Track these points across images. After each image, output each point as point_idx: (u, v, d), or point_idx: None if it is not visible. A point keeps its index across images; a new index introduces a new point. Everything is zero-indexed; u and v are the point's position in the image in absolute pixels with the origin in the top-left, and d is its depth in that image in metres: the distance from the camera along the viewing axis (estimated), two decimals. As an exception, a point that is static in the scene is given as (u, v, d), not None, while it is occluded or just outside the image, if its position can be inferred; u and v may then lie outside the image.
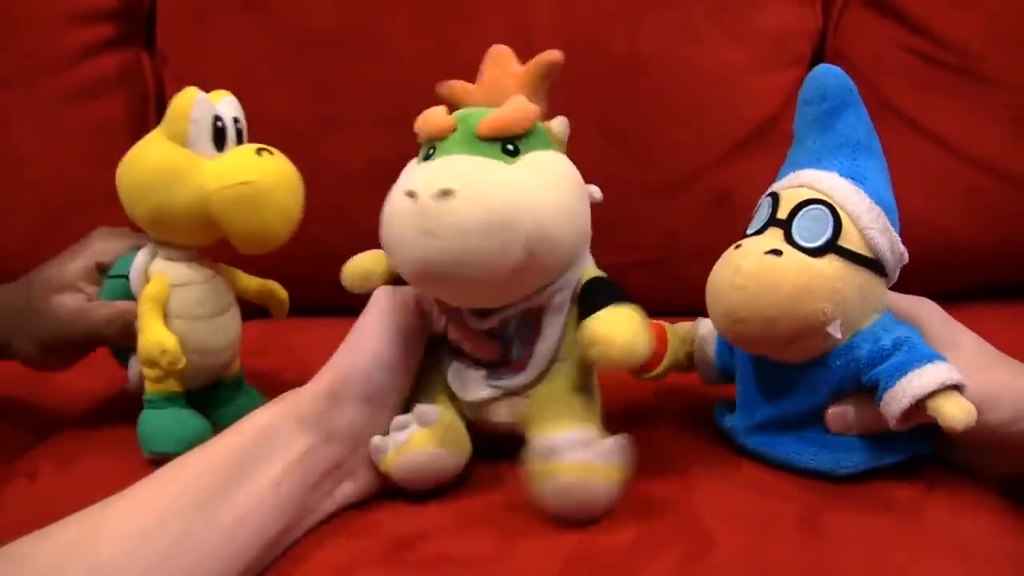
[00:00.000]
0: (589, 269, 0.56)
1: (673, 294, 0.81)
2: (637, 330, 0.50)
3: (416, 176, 0.49)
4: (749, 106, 0.91)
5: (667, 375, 0.62)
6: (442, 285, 0.51)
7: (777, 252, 0.51)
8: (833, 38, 0.95)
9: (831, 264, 0.51)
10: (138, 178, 0.58)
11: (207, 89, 0.59)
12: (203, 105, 0.57)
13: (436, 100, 0.55)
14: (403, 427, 0.53)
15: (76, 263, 0.62)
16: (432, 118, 0.53)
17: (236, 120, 0.60)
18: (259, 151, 0.58)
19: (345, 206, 0.89)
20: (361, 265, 0.60)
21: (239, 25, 0.91)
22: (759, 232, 0.54)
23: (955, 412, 0.47)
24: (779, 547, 0.48)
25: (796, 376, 0.55)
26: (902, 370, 0.50)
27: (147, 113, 0.97)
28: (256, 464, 0.48)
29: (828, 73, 0.55)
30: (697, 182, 0.90)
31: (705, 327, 0.63)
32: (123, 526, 0.43)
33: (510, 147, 0.51)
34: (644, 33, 0.88)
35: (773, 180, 0.61)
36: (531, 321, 0.55)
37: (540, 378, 0.55)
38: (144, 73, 0.97)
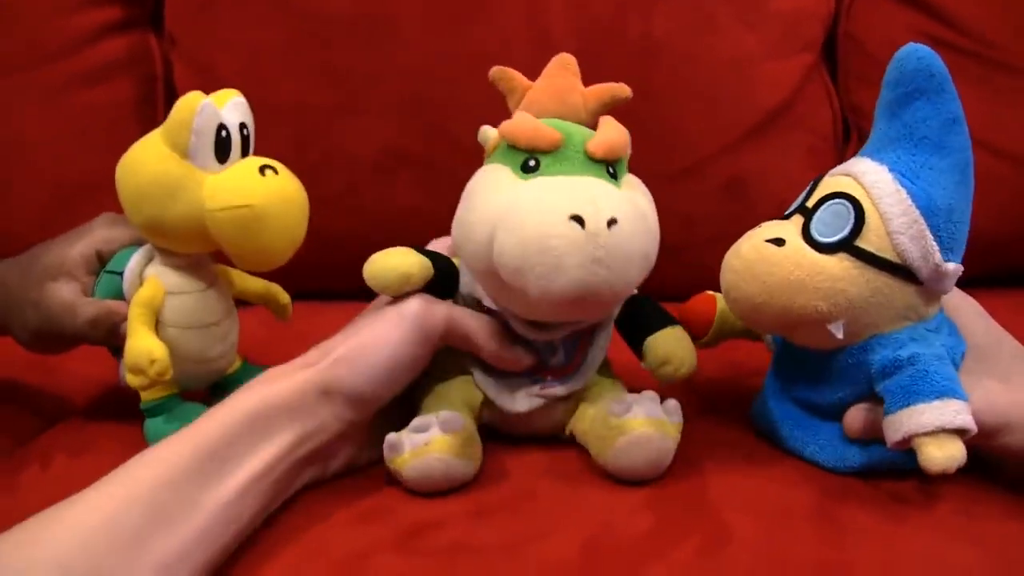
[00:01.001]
0: None
1: (687, 280, 0.81)
2: (694, 350, 0.58)
3: (569, 197, 0.47)
4: (762, 92, 0.90)
5: (718, 343, 0.63)
6: (580, 309, 0.51)
7: (779, 242, 0.51)
8: (846, 22, 0.95)
9: (840, 263, 0.50)
10: (133, 186, 0.55)
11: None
12: (207, 114, 0.54)
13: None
14: (423, 429, 0.52)
15: (76, 249, 0.60)
16: (542, 131, 0.51)
17: (243, 126, 0.57)
18: (263, 169, 0.55)
19: (356, 192, 0.89)
20: (395, 269, 0.53)
21: (248, 8, 0.90)
22: (788, 216, 0.54)
23: (935, 454, 0.47)
24: (796, 537, 0.48)
25: (811, 362, 0.54)
26: (906, 399, 0.49)
27: (155, 97, 0.96)
28: (241, 451, 0.47)
29: (911, 55, 0.50)
30: (710, 168, 0.90)
31: None
32: (94, 508, 0.42)
33: (611, 170, 0.51)
34: (657, 19, 0.88)
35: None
36: (582, 330, 0.56)
37: (586, 383, 0.57)
38: (152, 56, 0.96)
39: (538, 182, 0.50)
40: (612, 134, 0.52)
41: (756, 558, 0.46)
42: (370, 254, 0.54)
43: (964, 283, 0.54)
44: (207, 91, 0.56)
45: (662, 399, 0.53)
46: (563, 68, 0.54)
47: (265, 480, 0.48)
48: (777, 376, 0.59)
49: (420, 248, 0.56)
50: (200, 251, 0.58)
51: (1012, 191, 0.90)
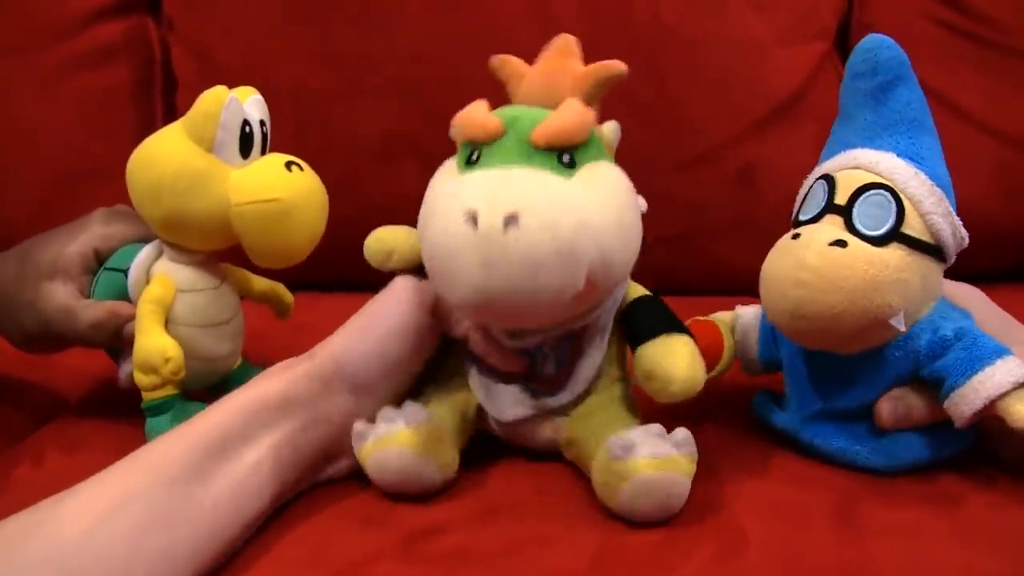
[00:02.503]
0: (634, 286, 0.54)
1: (698, 269, 0.80)
2: (695, 363, 0.50)
3: (471, 192, 0.44)
4: (774, 79, 0.90)
5: (723, 375, 0.61)
6: (496, 316, 0.48)
7: (842, 243, 0.49)
8: (859, 10, 0.94)
9: (895, 253, 0.49)
10: (155, 179, 0.54)
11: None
12: (233, 109, 0.54)
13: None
14: (390, 420, 0.50)
15: (72, 248, 0.59)
16: (477, 119, 0.47)
17: (262, 123, 0.57)
18: (288, 165, 0.55)
19: (357, 177, 0.89)
20: (382, 242, 0.55)
21: (247, -9, 0.89)
22: (815, 219, 0.52)
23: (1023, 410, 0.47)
24: (815, 542, 0.46)
25: (851, 369, 0.53)
26: (971, 368, 0.48)
27: (153, 81, 0.96)
28: (239, 444, 0.47)
29: (880, 45, 0.52)
30: (721, 156, 0.89)
31: (746, 316, 0.61)
32: (87, 506, 0.42)
33: (566, 158, 0.47)
34: (668, 4, 0.87)
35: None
36: (570, 337, 0.52)
37: (583, 396, 0.53)
38: (150, 40, 0.96)
39: (462, 177, 0.47)
40: (561, 119, 0.47)
41: (774, 564, 0.44)
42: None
43: (971, 276, 0.55)
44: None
45: (671, 428, 0.49)
46: (557, 52, 0.51)
47: (264, 470, 0.47)
48: (802, 396, 0.56)
49: None
50: (216, 247, 0.58)
51: (1020, 179, 0.89)
